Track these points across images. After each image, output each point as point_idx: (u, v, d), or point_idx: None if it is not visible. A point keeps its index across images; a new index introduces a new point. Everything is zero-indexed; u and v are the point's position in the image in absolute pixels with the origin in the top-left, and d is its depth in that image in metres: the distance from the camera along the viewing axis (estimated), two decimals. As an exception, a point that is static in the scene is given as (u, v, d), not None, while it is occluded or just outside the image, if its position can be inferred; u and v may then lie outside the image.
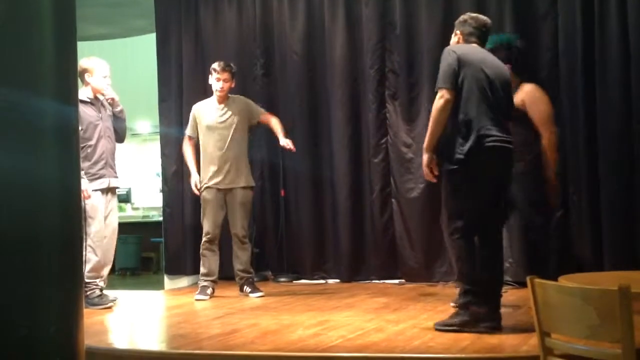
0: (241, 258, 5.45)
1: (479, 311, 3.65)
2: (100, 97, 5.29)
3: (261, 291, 5.46)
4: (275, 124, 5.52)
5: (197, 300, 5.32)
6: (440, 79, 3.79)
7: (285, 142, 5.38)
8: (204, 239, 5.43)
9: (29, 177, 1.89)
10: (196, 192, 5.47)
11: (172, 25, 6.89)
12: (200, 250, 5.47)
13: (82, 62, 5.18)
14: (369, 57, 6.15)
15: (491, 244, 3.79)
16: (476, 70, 3.77)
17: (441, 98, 3.75)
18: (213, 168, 5.40)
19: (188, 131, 5.58)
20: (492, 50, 4.40)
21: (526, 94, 4.65)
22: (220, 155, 5.40)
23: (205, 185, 5.41)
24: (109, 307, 5.02)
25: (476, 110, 3.72)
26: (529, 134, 4.61)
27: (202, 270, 5.45)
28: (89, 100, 5.12)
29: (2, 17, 1.84)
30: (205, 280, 5.42)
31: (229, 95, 5.52)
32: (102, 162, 5.16)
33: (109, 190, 5.22)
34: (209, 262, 5.41)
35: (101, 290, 5.09)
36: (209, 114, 5.47)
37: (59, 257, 1.95)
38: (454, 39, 4.09)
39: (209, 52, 6.65)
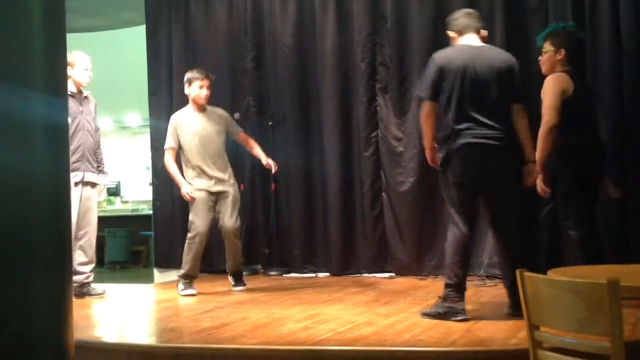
0: (232, 252, 5.43)
1: (455, 306, 3.85)
2: (84, 92, 5.27)
3: (244, 284, 5.50)
4: (254, 146, 5.59)
5: (186, 295, 5.23)
6: (422, 87, 4.15)
7: (268, 163, 5.51)
8: (191, 234, 5.30)
9: (17, 171, 1.87)
10: (189, 198, 5.32)
11: (162, 18, 6.86)
12: (186, 245, 5.33)
13: None
14: (359, 50, 6.14)
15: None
16: (457, 73, 3.92)
17: (422, 107, 4.09)
18: (204, 176, 5.32)
19: (170, 143, 5.42)
20: (550, 35, 4.48)
21: (545, 84, 4.41)
22: (210, 162, 5.34)
23: (197, 188, 5.31)
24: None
25: (454, 115, 3.92)
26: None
27: (189, 265, 5.32)
28: (70, 94, 5.08)
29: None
30: (188, 277, 5.35)
31: (206, 105, 5.46)
32: (78, 155, 5.12)
33: (85, 185, 5.18)
34: (195, 257, 5.32)
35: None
36: (193, 121, 5.38)
37: (48, 251, 1.94)
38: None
39: (199, 44, 6.64)
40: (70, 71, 5.10)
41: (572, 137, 4.27)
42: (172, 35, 6.80)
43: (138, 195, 11.60)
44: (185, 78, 5.45)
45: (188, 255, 5.33)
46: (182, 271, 5.38)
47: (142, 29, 7.08)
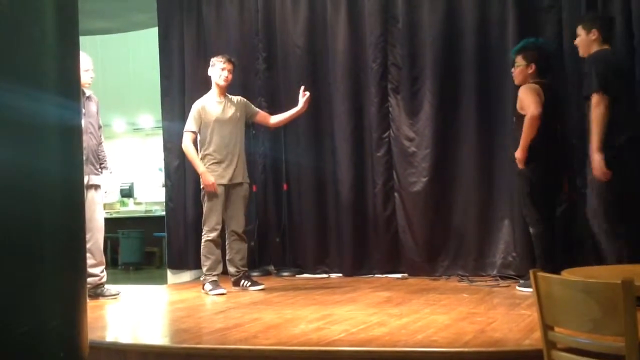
0: (241, 253, 5.45)
1: None
2: (87, 92, 5.24)
3: (261, 284, 5.47)
4: (277, 116, 5.68)
5: (216, 295, 5.20)
6: (595, 83, 4.26)
7: (304, 94, 5.49)
8: (212, 234, 5.33)
9: (31, 172, 1.88)
10: (212, 185, 5.28)
11: (174, 19, 6.88)
12: (207, 245, 5.36)
13: None
14: (371, 50, 6.13)
15: None
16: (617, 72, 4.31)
17: (599, 103, 4.25)
18: (222, 164, 5.36)
19: (192, 127, 5.43)
20: (523, 50, 4.92)
21: (520, 93, 4.83)
22: (229, 150, 5.39)
23: (221, 182, 5.33)
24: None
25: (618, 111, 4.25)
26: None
27: (210, 264, 5.35)
28: None
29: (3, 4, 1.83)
30: (214, 275, 5.36)
31: (226, 92, 5.53)
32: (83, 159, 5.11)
33: (89, 188, 5.15)
34: (218, 256, 5.37)
35: None
36: (215, 109, 5.43)
37: (62, 251, 1.95)
38: (588, 36, 4.50)
39: (211, 45, 6.65)
40: None
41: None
42: (184, 37, 6.82)
43: (151, 197, 11.64)
44: (210, 61, 5.51)
45: (208, 253, 5.33)
46: (206, 271, 5.36)
47: (154, 31, 7.11)
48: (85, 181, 5.08)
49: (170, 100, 6.84)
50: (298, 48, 6.46)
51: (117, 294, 5.35)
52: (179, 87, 6.80)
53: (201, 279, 5.53)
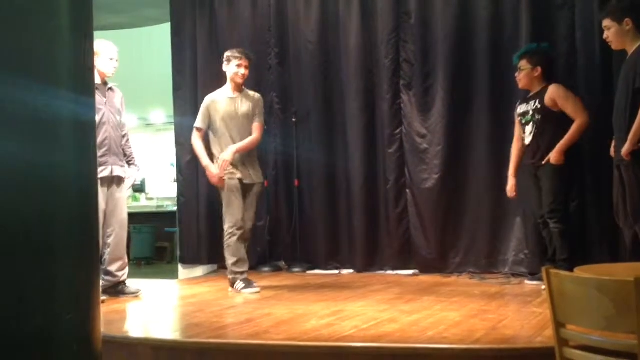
0: (245, 252, 5.27)
1: None
2: (110, 83, 5.12)
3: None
4: (248, 140, 5.29)
5: (252, 293, 5.05)
6: None
7: (223, 156, 5.19)
8: (233, 230, 5.13)
9: (44, 167, 1.89)
10: (218, 177, 5.16)
11: (187, 15, 6.89)
12: (232, 242, 5.14)
13: None
14: (383, 46, 6.12)
15: None
16: None
17: None
18: (236, 161, 5.23)
19: (199, 123, 5.35)
20: (527, 54, 4.96)
21: (554, 93, 4.87)
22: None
23: (235, 177, 5.21)
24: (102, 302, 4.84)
25: None
26: (558, 132, 4.83)
27: (237, 262, 5.14)
28: None
29: None
30: (244, 272, 5.19)
31: (243, 86, 5.44)
32: (105, 149, 4.90)
33: (113, 180, 4.98)
34: (243, 252, 5.20)
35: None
36: (227, 104, 5.32)
37: (75, 245, 1.95)
38: (622, 27, 4.26)
39: (224, 41, 6.65)
40: (94, 60, 4.99)
41: None
42: (196, 32, 6.83)
43: (163, 192, 11.68)
44: (225, 56, 5.38)
45: (236, 250, 5.14)
46: (236, 269, 5.16)
47: (166, 27, 7.12)
48: (108, 172, 4.94)
49: (182, 96, 6.84)
50: (310, 44, 6.46)
51: (138, 292, 5.14)
52: (191, 82, 6.81)
53: (230, 277, 5.24)
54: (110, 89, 5.12)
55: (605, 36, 4.39)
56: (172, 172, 7.98)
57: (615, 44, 4.37)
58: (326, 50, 6.43)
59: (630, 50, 4.28)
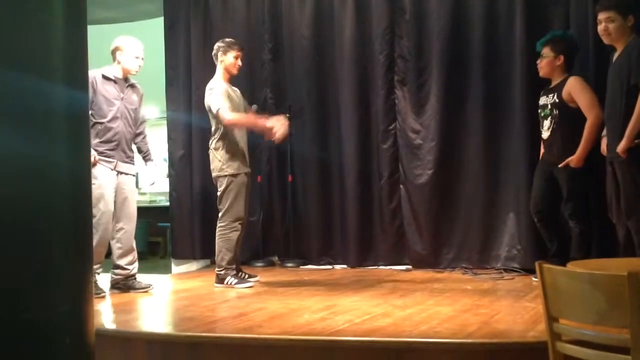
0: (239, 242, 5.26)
1: None
2: (132, 80, 5.10)
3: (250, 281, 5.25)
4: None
5: (249, 287, 5.06)
6: None
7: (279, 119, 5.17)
8: (236, 224, 5.12)
9: (37, 160, 1.88)
10: (278, 123, 5.07)
11: (181, 9, 6.87)
12: (230, 237, 5.12)
13: (116, 40, 5.04)
14: (378, 42, 6.12)
15: None
16: None
17: None
18: (245, 153, 5.24)
19: (225, 103, 5.10)
20: (551, 41, 4.84)
21: (571, 86, 4.76)
22: (246, 138, 5.32)
23: (245, 171, 5.21)
24: (102, 297, 4.78)
25: None
26: (575, 130, 4.72)
27: (230, 258, 5.13)
28: (112, 78, 4.91)
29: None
30: (234, 267, 5.20)
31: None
32: (114, 144, 4.89)
33: (119, 174, 4.96)
34: (237, 248, 5.21)
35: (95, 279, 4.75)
36: (234, 96, 5.30)
37: (68, 238, 1.95)
38: (625, 22, 4.24)
39: (218, 36, 6.60)
40: (120, 56, 4.94)
41: None
42: (190, 26, 6.81)
43: (155, 187, 11.63)
44: (219, 46, 5.31)
45: (230, 246, 5.11)
46: (226, 264, 5.13)
47: (159, 21, 7.09)
48: (112, 166, 4.91)
49: (175, 91, 6.83)
50: (304, 39, 6.45)
51: (148, 287, 5.08)
52: (184, 77, 6.79)
53: (220, 272, 5.18)
54: (130, 85, 5.09)
55: (603, 28, 4.33)
56: (165, 167, 7.96)
57: (612, 38, 4.32)
58: (320, 45, 6.42)
59: (620, 47, 4.28)
